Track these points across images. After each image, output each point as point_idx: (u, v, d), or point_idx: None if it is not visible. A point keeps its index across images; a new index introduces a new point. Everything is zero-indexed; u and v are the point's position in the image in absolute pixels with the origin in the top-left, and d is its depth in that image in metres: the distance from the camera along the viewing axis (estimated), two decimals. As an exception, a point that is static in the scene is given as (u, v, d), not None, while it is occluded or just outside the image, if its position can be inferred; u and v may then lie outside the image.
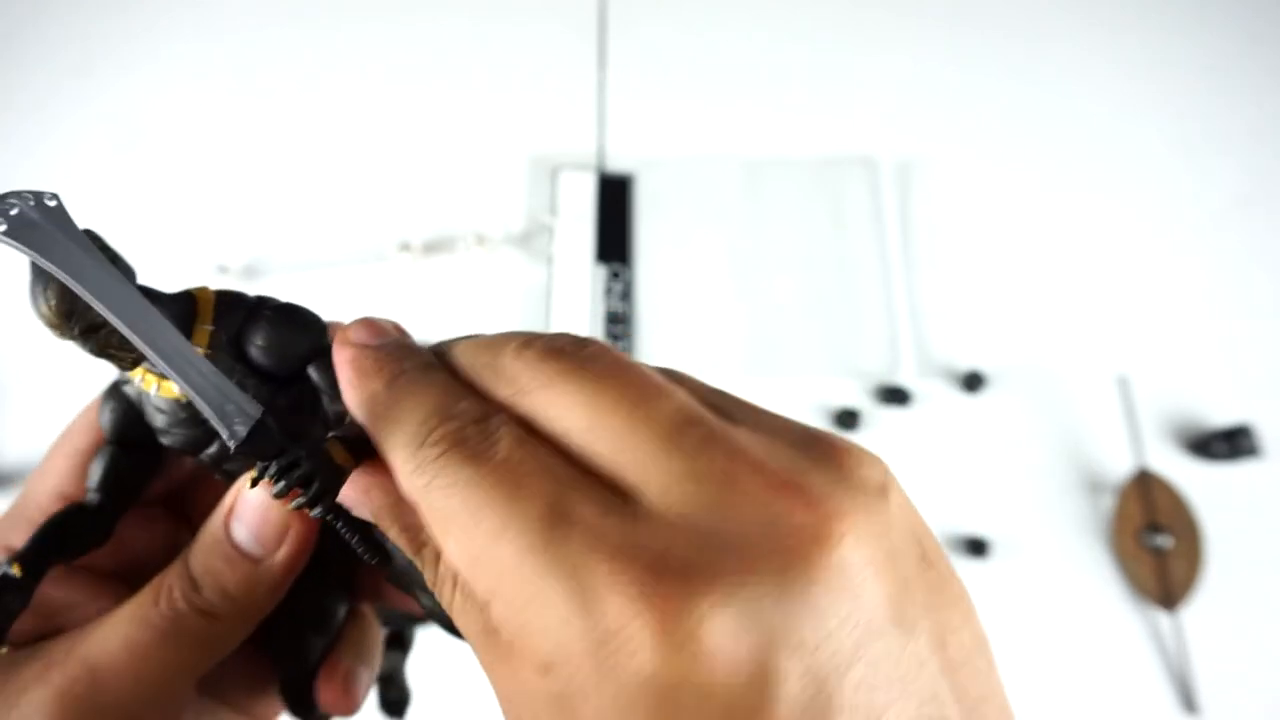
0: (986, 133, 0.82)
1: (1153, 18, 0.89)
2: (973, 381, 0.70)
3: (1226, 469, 0.68)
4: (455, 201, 0.77)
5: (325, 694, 0.28)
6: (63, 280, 0.19)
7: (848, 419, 0.68)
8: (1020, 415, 0.70)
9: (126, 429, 0.24)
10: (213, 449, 0.24)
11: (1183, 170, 0.81)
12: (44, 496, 0.25)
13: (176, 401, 0.23)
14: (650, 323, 0.73)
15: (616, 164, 0.79)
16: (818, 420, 0.69)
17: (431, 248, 0.74)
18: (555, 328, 0.72)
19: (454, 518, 0.17)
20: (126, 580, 0.26)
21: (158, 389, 0.23)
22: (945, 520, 0.66)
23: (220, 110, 0.82)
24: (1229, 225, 0.78)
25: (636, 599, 0.14)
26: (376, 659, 0.30)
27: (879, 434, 0.69)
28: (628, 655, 0.14)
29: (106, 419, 0.24)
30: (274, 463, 0.20)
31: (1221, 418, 0.69)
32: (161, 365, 0.20)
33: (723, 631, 0.14)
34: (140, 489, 0.25)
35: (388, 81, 0.83)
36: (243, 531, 0.23)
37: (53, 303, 0.20)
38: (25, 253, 0.19)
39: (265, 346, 0.22)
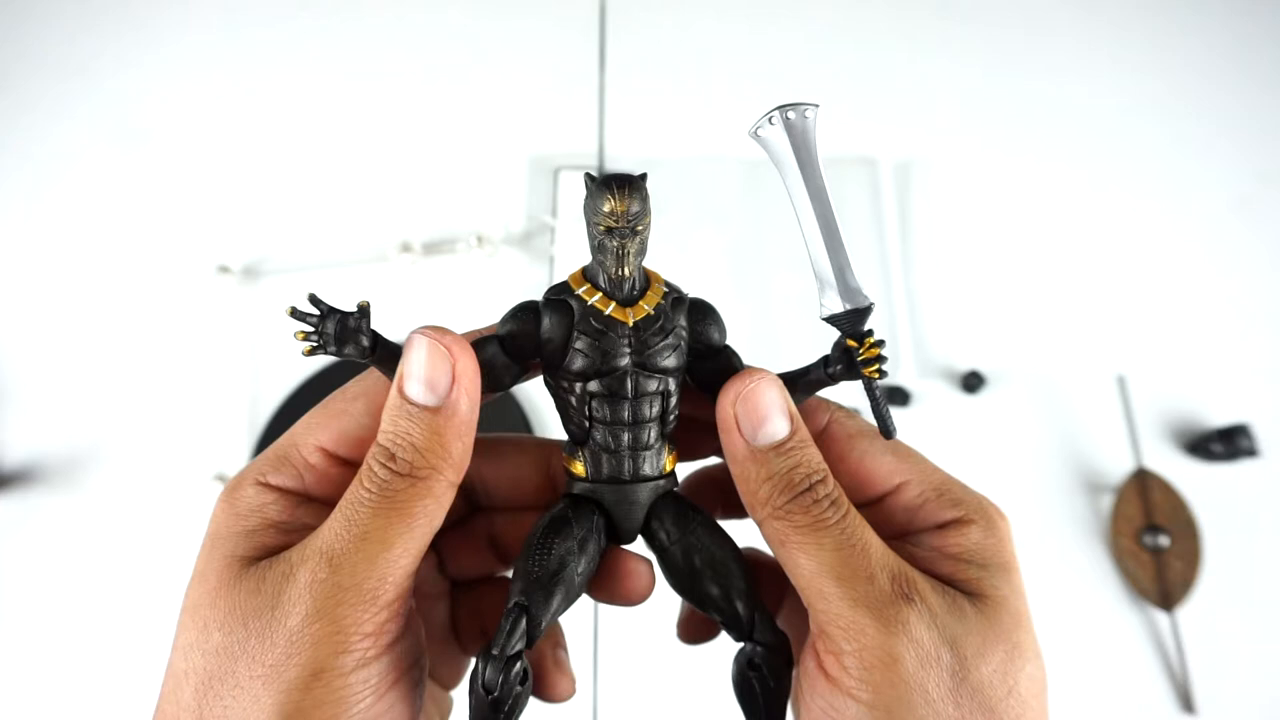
0: (986, 132, 0.82)
1: (1152, 18, 0.89)
2: (972, 381, 0.70)
3: (1224, 469, 0.68)
4: (456, 202, 0.77)
5: (551, 688, 0.31)
6: (785, 181, 0.29)
7: (847, 419, 0.68)
8: (1019, 415, 0.70)
9: (519, 336, 0.28)
10: (595, 383, 0.28)
11: (1182, 171, 0.81)
12: (306, 447, 0.28)
13: (620, 323, 0.27)
14: (650, 323, 0.73)
15: (616, 164, 0.79)
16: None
17: (432, 248, 0.74)
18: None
19: None
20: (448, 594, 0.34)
21: (613, 309, 0.27)
22: (944, 520, 0.66)
23: (221, 110, 0.82)
24: (1228, 226, 0.79)
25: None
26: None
27: (879, 434, 0.69)
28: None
29: (511, 321, 0.28)
30: (861, 338, 0.30)
31: (1219, 418, 0.69)
32: (816, 254, 0.29)
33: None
34: (489, 380, 0.28)
35: (388, 82, 0.83)
36: (415, 387, 0.26)
37: (635, 206, 0.26)
38: (769, 154, 0.29)
39: (717, 328, 0.30)
